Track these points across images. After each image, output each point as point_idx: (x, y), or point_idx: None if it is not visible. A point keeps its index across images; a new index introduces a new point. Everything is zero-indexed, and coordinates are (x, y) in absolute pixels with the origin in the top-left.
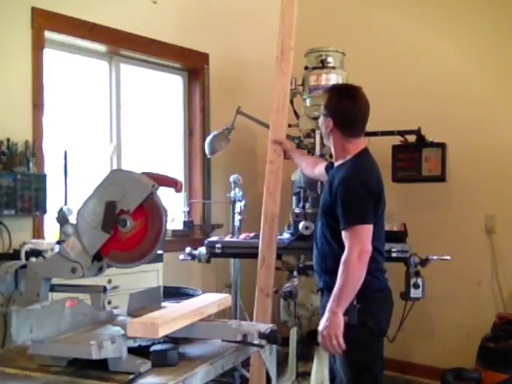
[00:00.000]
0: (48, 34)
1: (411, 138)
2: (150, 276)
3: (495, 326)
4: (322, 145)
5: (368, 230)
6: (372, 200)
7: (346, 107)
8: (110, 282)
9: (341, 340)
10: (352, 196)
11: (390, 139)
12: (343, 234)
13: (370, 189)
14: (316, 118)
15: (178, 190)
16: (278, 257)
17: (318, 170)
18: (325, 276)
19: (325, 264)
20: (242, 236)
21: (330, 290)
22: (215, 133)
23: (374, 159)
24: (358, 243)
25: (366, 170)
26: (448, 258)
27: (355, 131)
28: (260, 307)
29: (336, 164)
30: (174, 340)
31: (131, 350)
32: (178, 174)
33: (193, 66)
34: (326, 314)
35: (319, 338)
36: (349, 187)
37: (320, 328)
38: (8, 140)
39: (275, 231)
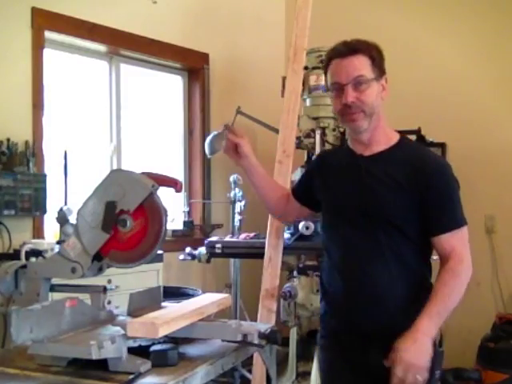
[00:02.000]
0: (48, 34)
1: (411, 138)
2: (150, 276)
3: (495, 326)
4: (322, 145)
5: None
6: None
7: None
8: (109, 281)
9: (426, 373)
10: (455, 188)
11: None
12: (446, 238)
13: None
14: (316, 118)
15: (178, 190)
16: None
17: (291, 204)
18: (400, 304)
19: (405, 290)
20: (242, 236)
21: (401, 323)
22: (215, 133)
23: None
24: (467, 250)
25: None
26: None
27: None
28: (265, 307)
29: (368, 154)
30: (174, 340)
31: (131, 350)
32: (178, 174)
33: (193, 66)
34: (416, 335)
35: (397, 367)
36: (450, 177)
37: (404, 354)
38: (8, 140)
39: (282, 233)
